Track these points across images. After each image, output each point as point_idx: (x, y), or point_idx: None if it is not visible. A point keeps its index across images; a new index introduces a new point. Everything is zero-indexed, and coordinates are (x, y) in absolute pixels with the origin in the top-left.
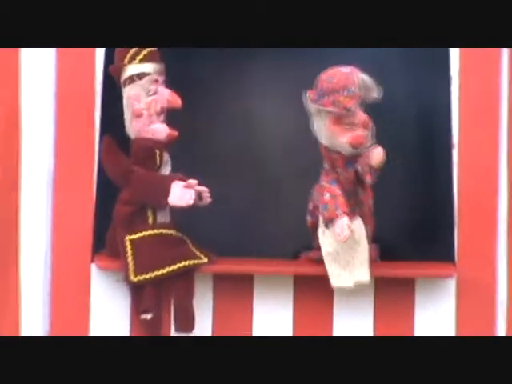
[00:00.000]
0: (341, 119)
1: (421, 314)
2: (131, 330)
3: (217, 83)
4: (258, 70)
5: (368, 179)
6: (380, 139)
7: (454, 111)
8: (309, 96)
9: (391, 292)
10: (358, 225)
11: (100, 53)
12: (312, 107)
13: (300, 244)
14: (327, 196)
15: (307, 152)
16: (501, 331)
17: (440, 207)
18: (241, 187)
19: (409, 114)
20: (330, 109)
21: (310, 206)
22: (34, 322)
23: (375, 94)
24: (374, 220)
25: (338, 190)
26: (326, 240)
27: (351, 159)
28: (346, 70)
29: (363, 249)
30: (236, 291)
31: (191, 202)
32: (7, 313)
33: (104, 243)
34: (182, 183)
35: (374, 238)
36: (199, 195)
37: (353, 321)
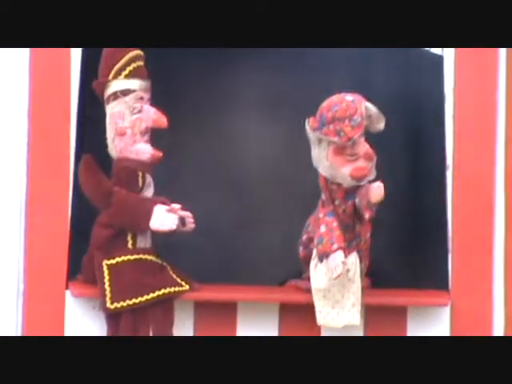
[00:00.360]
0: (343, 150)
1: None
2: None
3: (202, 97)
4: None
5: (367, 215)
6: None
7: (448, 130)
8: (309, 123)
9: (382, 320)
10: (354, 260)
11: (76, 63)
12: (312, 135)
13: (286, 271)
14: (323, 228)
15: (295, 174)
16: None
17: (434, 233)
18: (225, 211)
19: (399, 135)
20: (333, 138)
21: (304, 237)
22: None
23: (380, 125)
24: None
25: (334, 223)
26: (318, 275)
27: (350, 191)
28: (350, 98)
29: (356, 289)
30: (218, 319)
31: (174, 227)
32: None
33: (79, 268)
34: (164, 207)
35: (368, 268)
36: (182, 220)
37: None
